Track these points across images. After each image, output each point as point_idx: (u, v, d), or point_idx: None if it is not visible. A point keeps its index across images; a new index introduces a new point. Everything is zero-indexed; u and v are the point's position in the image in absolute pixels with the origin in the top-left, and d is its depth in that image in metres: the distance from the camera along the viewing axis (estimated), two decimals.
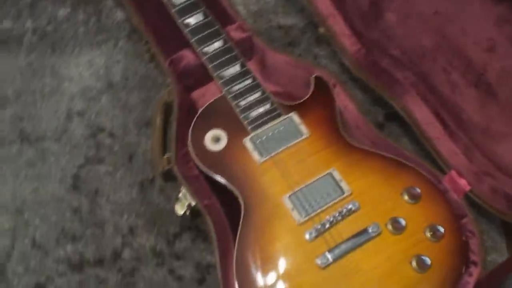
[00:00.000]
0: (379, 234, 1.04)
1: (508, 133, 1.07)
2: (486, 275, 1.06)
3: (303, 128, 1.12)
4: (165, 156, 1.16)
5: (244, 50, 1.27)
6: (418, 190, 1.08)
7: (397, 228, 1.04)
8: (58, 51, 1.38)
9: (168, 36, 1.27)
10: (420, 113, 1.16)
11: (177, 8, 1.19)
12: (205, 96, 1.29)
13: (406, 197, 1.07)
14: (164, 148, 1.18)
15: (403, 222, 1.05)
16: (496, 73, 1.05)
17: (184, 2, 1.20)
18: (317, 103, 1.16)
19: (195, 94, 1.29)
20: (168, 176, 1.17)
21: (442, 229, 1.05)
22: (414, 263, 1.02)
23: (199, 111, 1.14)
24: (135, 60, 1.36)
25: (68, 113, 1.32)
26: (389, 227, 1.04)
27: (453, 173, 1.13)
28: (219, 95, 1.15)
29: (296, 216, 1.05)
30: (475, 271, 1.08)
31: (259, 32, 1.35)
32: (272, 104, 1.13)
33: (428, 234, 1.05)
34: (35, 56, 1.37)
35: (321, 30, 1.24)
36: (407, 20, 1.10)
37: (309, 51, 1.38)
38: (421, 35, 1.11)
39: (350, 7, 1.20)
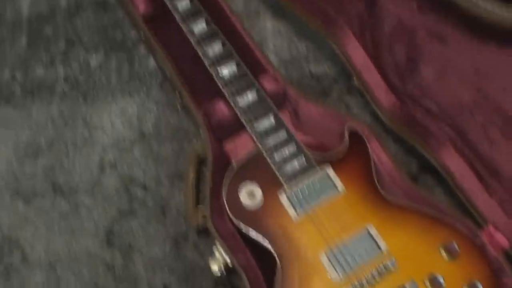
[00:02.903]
0: None
1: None
2: None
3: (339, 183, 1.13)
4: (199, 210, 1.17)
5: (277, 100, 1.28)
6: (456, 246, 1.08)
7: (435, 286, 1.04)
8: (90, 100, 1.40)
9: (200, 86, 1.29)
10: (456, 166, 1.16)
11: (210, 58, 1.22)
12: (237, 146, 1.30)
13: (443, 254, 1.07)
14: (198, 202, 1.19)
15: (441, 279, 1.05)
16: None
17: (218, 53, 1.22)
18: (352, 156, 1.16)
19: (227, 144, 1.30)
20: (203, 231, 1.18)
21: (481, 287, 1.05)
22: None
23: (234, 165, 1.15)
24: (167, 110, 1.38)
25: (100, 164, 1.33)
26: (427, 284, 1.04)
27: (491, 228, 1.12)
28: (254, 149, 1.17)
29: (333, 274, 1.05)
30: None
31: (291, 80, 1.37)
32: (307, 158, 1.14)
33: None
34: (67, 105, 1.39)
35: (355, 81, 1.26)
36: (444, 75, 1.11)
37: (341, 100, 1.39)
38: (459, 91, 1.11)
39: (385, 60, 1.21)
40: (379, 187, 1.13)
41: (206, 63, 1.22)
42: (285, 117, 1.27)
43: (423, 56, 1.12)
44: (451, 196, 1.26)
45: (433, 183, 1.31)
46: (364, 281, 1.04)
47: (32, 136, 1.37)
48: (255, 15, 1.49)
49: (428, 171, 1.31)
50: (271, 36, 1.46)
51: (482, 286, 1.04)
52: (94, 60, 1.44)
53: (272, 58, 1.42)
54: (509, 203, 1.11)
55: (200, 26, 1.25)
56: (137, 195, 1.31)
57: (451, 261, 1.06)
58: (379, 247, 1.07)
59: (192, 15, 1.26)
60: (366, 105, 1.36)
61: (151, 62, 1.43)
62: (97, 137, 1.36)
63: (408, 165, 1.33)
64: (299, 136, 1.19)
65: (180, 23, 1.26)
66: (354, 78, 1.25)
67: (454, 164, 1.17)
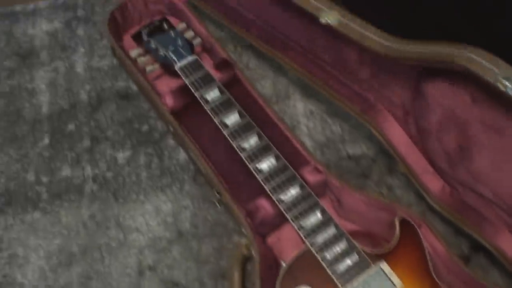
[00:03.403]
0: None
1: None
2: None
3: (395, 279, 1.08)
4: None
5: (319, 189, 1.26)
6: None
7: None
8: (121, 199, 1.34)
9: (239, 182, 1.27)
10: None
11: (247, 152, 1.19)
12: (282, 240, 1.25)
13: None
14: None
15: None
16: None
17: (255, 146, 1.19)
18: (404, 247, 1.12)
19: (270, 239, 1.25)
20: None
21: None
22: None
23: (284, 266, 1.10)
24: (203, 205, 1.33)
25: (139, 268, 1.27)
26: None
27: None
28: (303, 248, 1.11)
29: None
30: None
31: (328, 164, 1.34)
32: (359, 255, 1.10)
33: None
34: (97, 207, 1.34)
35: (399, 168, 1.22)
36: (499, 163, 1.08)
37: (382, 182, 1.35)
38: None
39: (432, 146, 1.17)
40: (436, 278, 1.09)
41: (243, 157, 1.19)
42: (328, 205, 1.24)
43: (477, 145, 1.08)
44: (507, 276, 1.22)
45: (487, 263, 1.25)
46: None
47: (64, 242, 1.31)
48: (285, 97, 1.46)
49: (481, 250, 1.25)
50: (303, 118, 1.43)
51: None
52: (122, 156, 1.40)
53: (306, 141, 1.38)
54: None
55: (232, 118, 1.22)
56: None
57: None
58: None
59: (223, 106, 1.24)
60: (408, 184, 1.32)
61: (182, 154, 1.38)
62: (133, 239, 1.30)
63: (458, 245, 1.28)
64: (344, 225, 1.15)
65: (211, 115, 1.24)
66: (398, 164, 1.23)
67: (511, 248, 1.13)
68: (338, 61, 1.25)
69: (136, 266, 1.28)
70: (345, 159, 1.38)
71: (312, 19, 1.20)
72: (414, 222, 1.15)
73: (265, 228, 1.24)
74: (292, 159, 1.20)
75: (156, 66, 1.39)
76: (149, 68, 1.39)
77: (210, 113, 1.24)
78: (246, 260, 1.19)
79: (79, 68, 1.54)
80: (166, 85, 1.40)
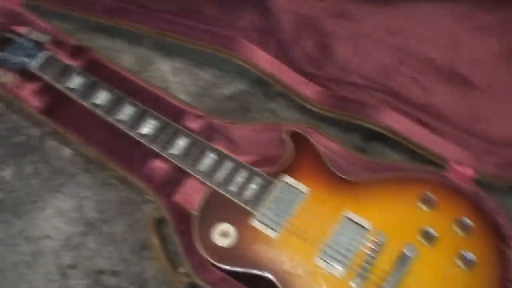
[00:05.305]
0: (417, 252, 1.07)
1: (494, 111, 1.13)
2: None
3: (302, 186, 1.14)
4: (181, 271, 1.15)
5: (207, 135, 1.29)
6: (431, 195, 1.11)
7: (430, 238, 1.08)
8: (22, 214, 1.33)
9: (129, 153, 1.27)
10: (400, 124, 1.20)
11: (127, 123, 1.20)
12: (189, 194, 1.28)
13: (423, 206, 1.11)
14: (173, 263, 1.16)
15: (431, 230, 1.08)
16: (465, 63, 1.10)
17: (130, 114, 1.21)
18: (302, 157, 1.18)
19: (179, 197, 1.28)
20: None
21: (468, 220, 1.09)
22: (460, 263, 1.06)
23: (195, 213, 1.13)
24: (103, 189, 1.34)
25: (60, 271, 1.27)
26: (422, 241, 1.08)
27: (453, 165, 1.17)
28: (208, 190, 1.15)
29: (334, 272, 1.06)
30: None
31: (209, 111, 1.36)
32: (261, 177, 1.14)
33: (459, 230, 1.09)
34: (1, 229, 1.32)
35: (273, 87, 1.26)
36: (359, 47, 1.15)
37: (264, 109, 1.40)
38: (379, 56, 1.16)
39: (296, 54, 1.23)
40: (339, 174, 1.15)
41: (124, 129, 1.20)
42: (220, 147, 1.26)
43: (333, 38, 1.15)
44: (404, 153, 1.31)
45: (382, 148, 1.35)
46: (365, 265, 1.06)
47: None
48: (148, 64, 1.48)
49: (373, 138, 1.35)
50: (171, 76, 1.46)
51: (469, 219, 1.08)
52: (8, 173, 1.38)
53: (182, 96, 1.41)
54: (461, 136, 1.17)
55: (101, 97, 1.23)
56: (110, 284, 1.26)
57: (432, 209, 1.10)
58: (364, 228, 1.09)
59: (89, 89, 1.24)
60: (289, 104, 1.38)
61: (66, 151, 1.38)
62: (45, 247, 1.29)
63: (351, 141, 1.36)
64: (242, 159, 1.19)
65: (81, 102, 1.24)
66: (272, 86, 1.27)
67: (398, 123, 1.20)
68: (184, 9, 1.28)
69: (57, 270, 1.28)
70: (223, 101, 1.43)
71: None
72: (302, 131, 1.21)
73: (168, 186, 1.26)
74: (172, 115, 1.23)
75: (10, 75, 1.38)
76: (2, 79, 1.38)
77: (78, 100, 1.24)
78: (160, 223, 1.21)
79: None
80: (29, 89, 1.38)
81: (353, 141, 1.36)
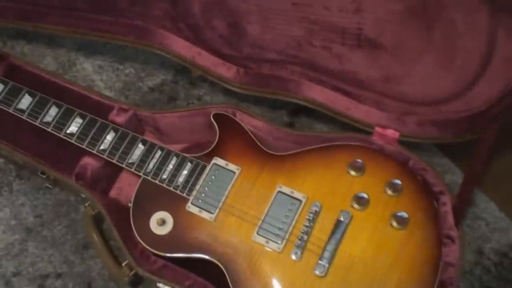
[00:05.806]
0: (351, 217, 1.10)
1: (406, 72, 1.16)
2: (457, 197, 1.13)
3: (232, 166, 1.16)
4: (123, 265, 1.15)
5: (134, 127, 1.30)
6: (359, 160, 1.14)
7: (362, 203, 1.11)
8: None
9: (58, 154, 1.27)
10: (321, 95, 1.22)
11: (53, 124, 1.20)
12: (124, 188, 1.30)
13: (353, 172, 1.14)
14: (116, 258, 1.17)
15: (363, 195, 1.11)
16: (372, 27, 1.13)
17: (55, 115, 1.20)
18: (230, 138, 1.20)
19: (113, 192, 1.29)
20: (137, 281, 1.17)
21: (398, 181, 1.12)
22: (394, 224, 1.09)
23: (130, 205, 1.14)
24: (38, 194, 1.34)
25: (4, 280, 1.26)
26: (356, 206, 1.11)
27: (377, 129, 1.20)
28: (140, 181, 1.16)
29: (273, 246, 1.09)
30: (446, 199, 1.16)
31: (136, 104, 1.37)
32: (191, 162, 1.16)
33: (390, 192, 1.12)
34: None
35: (195, 73, 1.28)
36: (269, 23, 1.17)
37: (190, 96, 1.42)
38: (289, 29, 1.18)
39: (210, 37, 1.24)
40: (267, 150, 1.17)
41: (50, 130, 1.19)
42: (150, 138, 1.27)
43: (243, 16, 1.16)
44: (332, 123, 1.34)
45: (310, 121, 1.37)
46: (303, 235, 1.08)
47: None
48: (71, 65, 1.48)
49: (299, 112, 1.37)
50: (95, 75, 1.46)
51: (398, 179, 1.12)
52: None
53: (107, 93, 1.41)
54: (380, 100, 1.19)
55: (25, 101, 1.21)
56: (56, 287, 1.26)
57: (362, 174, 1.13)
58: (297, 199, 1.11)
59: (11, 95, 1.22)
60: (213, 87, 1.40)
61: None
62: None
63: (278, 117, 1.38)
64: (173, 147, 1.20)
65: (4, 108, 1.22)
66: (191, 70, 1.28)
67: (318, 94, 1.22)
68: (96, 4, 1.28)
69: (1, 279, 1.27)
70: (148, 92, 1.44)
71: None
72: (227, 112, 1.23)
73: (102, 183, 1.27)
74: (97, 112, 1.23)
75: None
76: None
77: (2, 107, 1.24)
78: (98, 221, 1.21)
79: None
80: None
81: (282, 118, 1.38)
